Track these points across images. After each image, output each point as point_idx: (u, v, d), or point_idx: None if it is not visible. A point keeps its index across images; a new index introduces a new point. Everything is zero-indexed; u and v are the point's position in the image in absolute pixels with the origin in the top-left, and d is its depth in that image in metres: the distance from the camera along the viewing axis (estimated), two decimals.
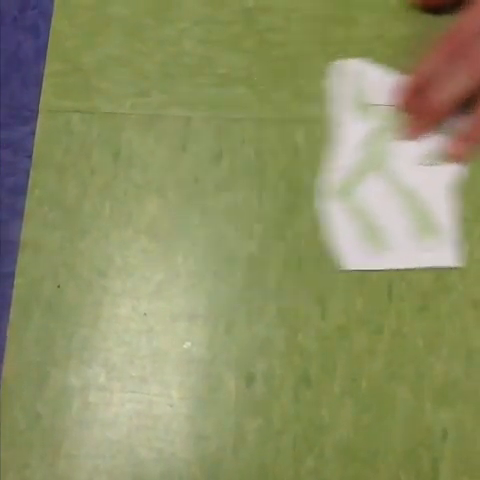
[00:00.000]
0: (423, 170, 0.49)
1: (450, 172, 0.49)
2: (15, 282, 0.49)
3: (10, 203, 0.51)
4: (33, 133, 0.52)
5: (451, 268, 0.48)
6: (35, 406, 0.47)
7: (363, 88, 0.51)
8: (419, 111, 0.49)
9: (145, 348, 0.48)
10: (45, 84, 0.53)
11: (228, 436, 0.46)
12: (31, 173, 0.51)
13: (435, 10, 0.51)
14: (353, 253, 0.48)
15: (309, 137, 0.51)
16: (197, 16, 0.53)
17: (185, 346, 0.48)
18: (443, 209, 0.48)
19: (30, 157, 0.51)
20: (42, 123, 0.52)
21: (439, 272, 0.48)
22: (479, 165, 0.50)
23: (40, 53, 0.54)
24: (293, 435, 0.46)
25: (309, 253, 0.48)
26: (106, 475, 0.46)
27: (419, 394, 0.46)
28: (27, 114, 0.52)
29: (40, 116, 0.52)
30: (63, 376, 0.47)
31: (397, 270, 0.48)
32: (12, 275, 0.49)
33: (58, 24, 0.54)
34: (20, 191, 0.51)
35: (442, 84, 0.47)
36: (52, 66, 0.53)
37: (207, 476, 0.45)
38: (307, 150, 0.50)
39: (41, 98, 0.52)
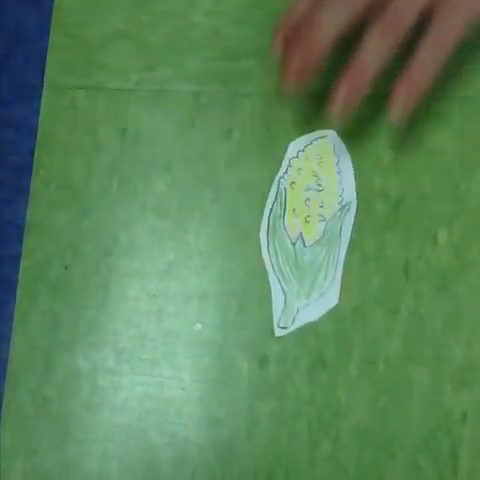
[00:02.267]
0: None
1: None
2: (21, 265, 0.48)
3: (14, 183, 0.50)
4: (37, 111, 0.51)
5: (471, 245, 0.46)
6: (42, 391, 0.46)
7: None
8: (297, 53, 0.42)
9: (155, 330, 0.47)
10: (49, 60, 0.51)
11: (242, 419, 0.45)
12: (36, 152, 0.50)
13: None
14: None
15: None
16: None
17: (195, 327, 0.46)
18: None
19: (34, 135, 0.50)
20: (46, 100, 0.51)
21: (458, 250, 0.46)
22: None
23: (43, 29, 0.52)
24: (308, 419, 0.45)
25: None
26: (117, 460, 0.45)
27: (438, 376, 0.45)
28: (30, 91, 0.51)
29: (44, 93, 0.51)
30: (71, 359, 0.46)
31: (414, 248, 0.46)
32: (16, 256, 0.48)
33: None
34: (24, 171, 0.50)
35: (319, 20, 0.41)
36: (56, 42, 0.52)
37: (221, 460, 0.45)
38: None
39: (45, 75, 0.51)
